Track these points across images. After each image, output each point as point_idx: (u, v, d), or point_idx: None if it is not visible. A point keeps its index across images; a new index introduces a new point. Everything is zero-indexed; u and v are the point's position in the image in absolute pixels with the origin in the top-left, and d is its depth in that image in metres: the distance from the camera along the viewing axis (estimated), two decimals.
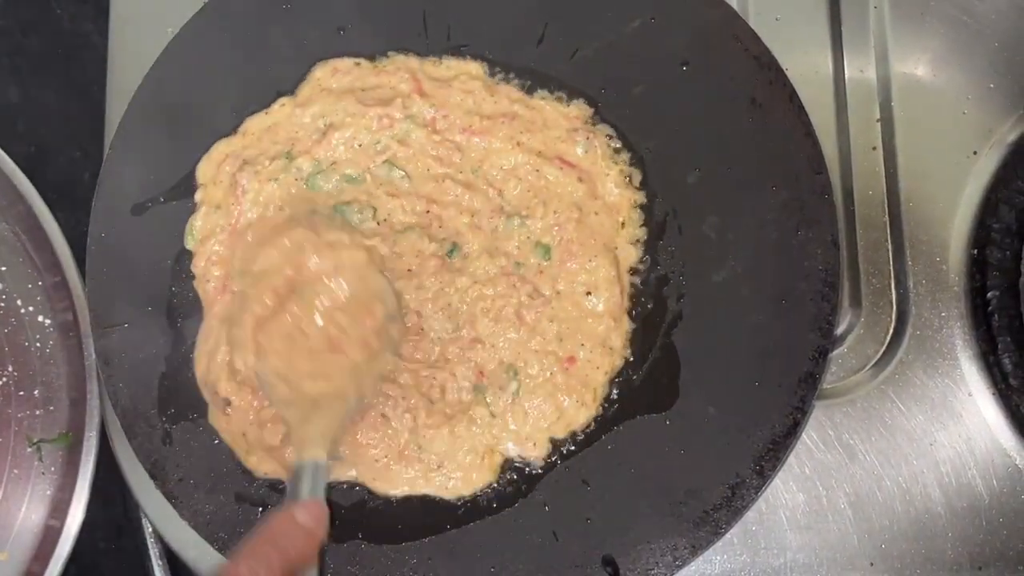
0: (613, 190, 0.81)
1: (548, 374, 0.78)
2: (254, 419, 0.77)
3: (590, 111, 0.82)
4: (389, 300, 0.75)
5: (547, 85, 0.83)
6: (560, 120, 0.82)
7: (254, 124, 0.82)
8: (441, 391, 0.78)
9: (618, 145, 0.82)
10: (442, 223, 0.80)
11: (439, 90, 0.82)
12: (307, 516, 0.66)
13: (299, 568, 0.64)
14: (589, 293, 0.79)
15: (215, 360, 0.78)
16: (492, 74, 0.83)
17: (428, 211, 0.80)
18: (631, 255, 0.81)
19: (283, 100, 0.82)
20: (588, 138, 0.82)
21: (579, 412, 0.78)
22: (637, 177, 0.81)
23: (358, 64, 0.83)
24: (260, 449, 0.77)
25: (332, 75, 0.83)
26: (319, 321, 0.72)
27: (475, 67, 0.83)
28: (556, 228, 0.80)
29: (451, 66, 0.84)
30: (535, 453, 0.77)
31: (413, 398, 0.77)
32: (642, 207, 0.81)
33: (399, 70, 0.83)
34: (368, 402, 0.76)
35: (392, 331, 0.75)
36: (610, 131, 0.82)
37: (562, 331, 0.79)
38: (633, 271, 0.80)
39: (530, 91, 0.83)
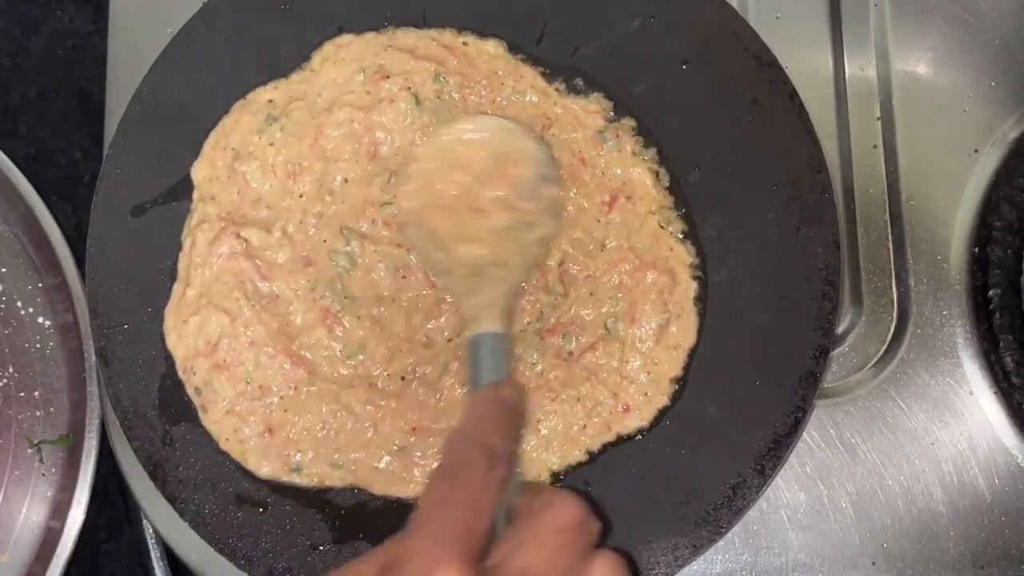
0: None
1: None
2: (229, 411, 0.75)
3: (610, 104, 0.81)
4: (533, 165, 0.74)
5: (559, 76, 0.82)
6: (585, 117, 0.80)
7: (236, 106, 0.81)
8: None
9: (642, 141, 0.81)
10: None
11: (469, 67, 0.80)
12: (510, 391, 0.61)
13: (515, 455, 0.58)
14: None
15: (192, 344, 0.76)
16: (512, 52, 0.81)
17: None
18: None
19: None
20: (618, 136, 0.80)
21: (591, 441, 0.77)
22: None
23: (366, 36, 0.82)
24: (256, 445, 0.76)
25: (337, 50, 0.81)
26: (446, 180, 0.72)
27: (492, 45, 0.81)
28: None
29: (469, 42, 0.81)
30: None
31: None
32: None
33: (421, 38, 0.81)
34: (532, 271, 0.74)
35: (545, 193, 0.74)
36: (633, 124, 0.80)
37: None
38: None
39: (549, 80, 0.81)
